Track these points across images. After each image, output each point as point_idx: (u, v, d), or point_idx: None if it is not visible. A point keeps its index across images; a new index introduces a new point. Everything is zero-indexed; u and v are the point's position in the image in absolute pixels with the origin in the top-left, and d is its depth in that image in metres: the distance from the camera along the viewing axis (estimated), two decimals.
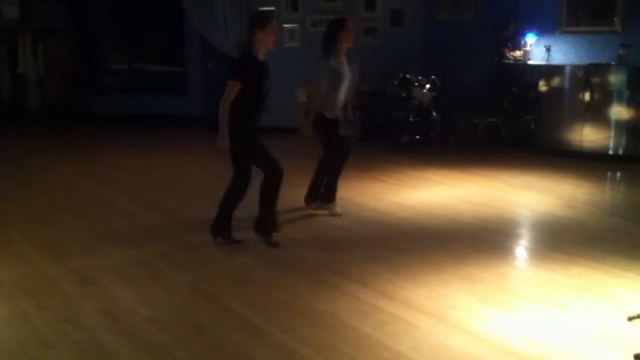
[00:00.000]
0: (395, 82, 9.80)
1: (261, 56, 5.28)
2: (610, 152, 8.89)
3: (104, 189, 7.57)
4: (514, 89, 9.63)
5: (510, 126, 9.69)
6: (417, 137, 9.63)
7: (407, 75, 9.70)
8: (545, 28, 9.67)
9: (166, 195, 7.25)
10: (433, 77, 9.76)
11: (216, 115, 5.21)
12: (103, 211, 6.58)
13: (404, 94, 9.67)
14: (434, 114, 9.69)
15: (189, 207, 6.73)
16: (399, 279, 4.76)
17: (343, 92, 6.23)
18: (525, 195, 7.29)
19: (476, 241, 5.67)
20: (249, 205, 5.58)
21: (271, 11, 5.41)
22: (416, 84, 9.66)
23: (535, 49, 9.75)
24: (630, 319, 4.01)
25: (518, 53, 9.77)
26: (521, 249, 5.75)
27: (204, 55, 11.71)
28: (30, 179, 8.07)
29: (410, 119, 9.61)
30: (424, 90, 9.64)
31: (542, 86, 9.40)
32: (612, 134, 8.88)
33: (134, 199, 7.03)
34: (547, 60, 9.59)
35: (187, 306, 4.34)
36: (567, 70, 9.18)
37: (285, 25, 10.89)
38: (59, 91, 12.33)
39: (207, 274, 4.91)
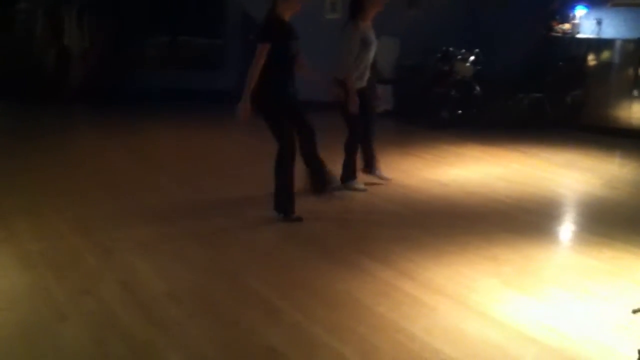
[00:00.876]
0: (438, 56, 9.58)
1: (287, 17, 5.21)
2: None
3: (137, 163, 7.62)
4: (560, 64, 9.31)
5: (556, 102, 9.38)
6: (459, 112, 9.42)
7: (450, 49, 9.47)
8: (596, 0, 9.29)
9: (199, 170, 7.25)
10: (476, 50, 9.49)
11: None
12: (134, 185, 6.62)
13: (445, 68, 9.45)
14: (477, 88, 9.44)
15: (220, 183, 6.70)
16: (422, 258, 4.66)
17: (370, 61, 6.03)
18: (566, 174, 7.07)
19: (508, 221, 5.52)
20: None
21: None
22: (459, 57, 9.42)
23: (585, 22, 9.39)
24: (635, 311, 3.79)
25: (567, 26, 9.44)
26: (554, 230, 5.57)
27: (244, 28, 11.62)
28: (65, 152, 8.21)
29: (452, 94, 9.39)
30: (467, 64, 9.40)
31: (591, 60, 9.08)
32: None
33: (167, 174, 7.05)
34: (598, 33, 9.23)
35: (205, 282, 4.33)
36: (618, 44, 8.83)
37: None
38: (99, 65, 12.45)
39: (230, 250, 4.90)
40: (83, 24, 12.46)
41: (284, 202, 5.39)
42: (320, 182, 5.74)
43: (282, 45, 5.16)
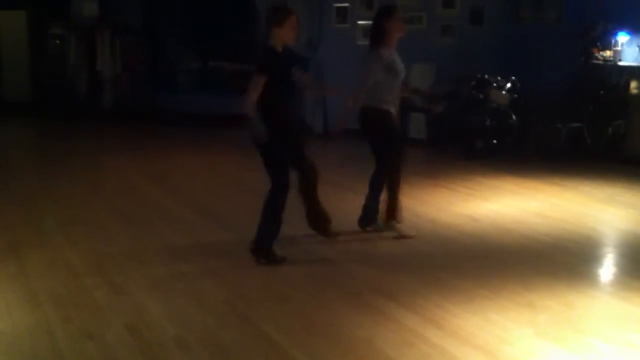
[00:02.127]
0: (472, 83, 9.26)
1: (280, 49, 5.00)
2: None
3: (160, 191, 7.42)
4: (601, 92, 8.93)
5: (597, 132, 8.98)
6: (494, 142, 9.07)
7: (485, 76, 9.15)
8: (639, 26, 8.90)
9: (224, 202, 6.99)
10: (513, 78, 9.16)
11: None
12: (154, 216, 6.41)
13: (480, 96, 9.13)
14: (513, 117, 9.09)
15: (244, 216, 6.30)
16: (451, 304, 4.33)
17: (397, 89, 5.65)
18: (607, 210, 6.67)
19: (545, 262, 5.16)
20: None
21: (287, 6, 5.08)
22: (494, 85, 9.09)
23: (628, 49, 9.00)
24: None
25: (608, 53, 9.05)
26: (594, 274, 5.17)
27: None
28: (88, 176, 8.12)
29: (487, 123, 9.05)
30: (503, 92, 9.07)
31: (634, 89, 8.67)
32: None
33: (190, 205, 6.80)
34: None
35: (217, 326, 4.06)
36: None
37: (360, 22, 10.57)
38: (132, 89, 12.43)
39: (247, 290, 4.63)
40: (115, 49, 12.47)
41: (265, 245, 5.07)
42: (319, 220, 5.47)
43: (278, 77, 4.94)
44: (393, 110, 5.66)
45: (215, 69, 12.88)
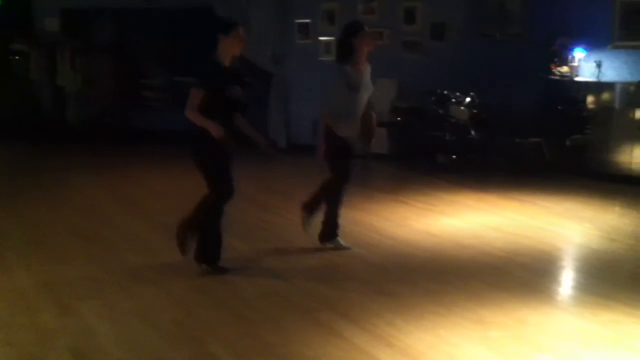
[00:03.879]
0: (433, 99, 9.33)
1: (227, 62, 5.04)
2: None
3: (122, 210, 7.31)
4: (559, 107, 9.04)
5: (555, 146, 9.07)
6: (454, 157, 9.12)
7: (445, 92, 9.22)
8: (595, 43, 9.03)
9: None
10: (472, 93, 9.23)
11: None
12: (114, 235, 6.31)
13: (441, 112, 9.20)
14: (472, 133, 9.16)
15: None
16: (403, 321, 4.31)
17: (358, 106, 5.59)
18: (563, 225, 6.72)
19: (500, 278, 5.16)
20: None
21: (235, 22, 5.13)
22: (453, 100, 9.16)
23: (585, 64, 9.12)
24: None
25: (565, 69, 9.17)
26: (548, 289, 5.16)
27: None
28: (48, 198, 7.95)
29: (447, 138, 9.11)
30: (462, 108, 9.14)
31: (591, 104, 8.80)
32: None
33: (151, 223, 6.69)
34: (598, 76, 8.95)
35: (165, 349, 3.98)
36: (618, 87, 8.55)
37: (321, 39, 10.61)
38: (100, 106, 12.29)
39: (200, 310, 4.55)
40: (76, 65, 12.33)
41: (209, 251, 5.11)
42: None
43: (219, 93, 4.94)
44: (350, 131, 5.60)
45: (183, 85, 12.73)
